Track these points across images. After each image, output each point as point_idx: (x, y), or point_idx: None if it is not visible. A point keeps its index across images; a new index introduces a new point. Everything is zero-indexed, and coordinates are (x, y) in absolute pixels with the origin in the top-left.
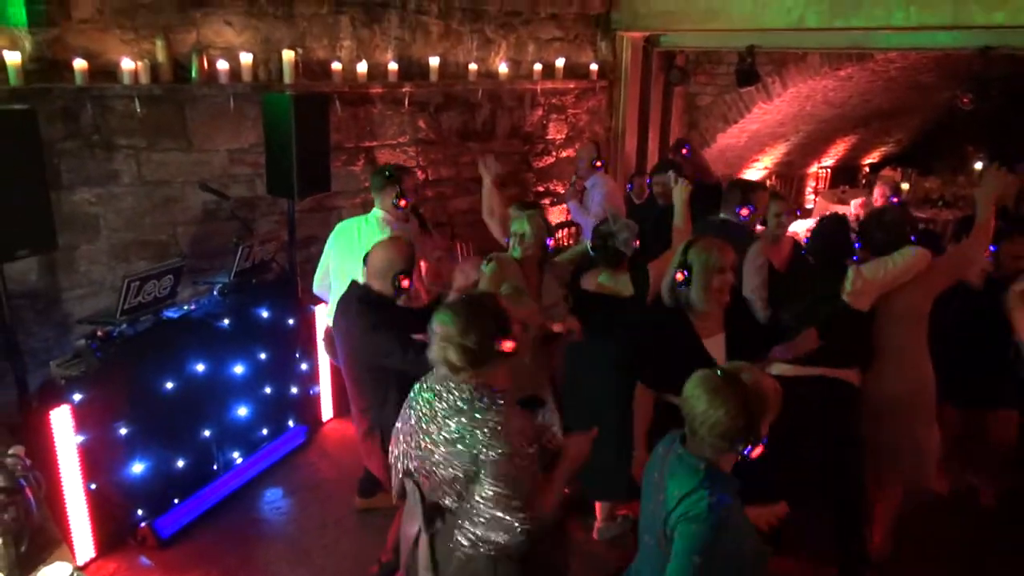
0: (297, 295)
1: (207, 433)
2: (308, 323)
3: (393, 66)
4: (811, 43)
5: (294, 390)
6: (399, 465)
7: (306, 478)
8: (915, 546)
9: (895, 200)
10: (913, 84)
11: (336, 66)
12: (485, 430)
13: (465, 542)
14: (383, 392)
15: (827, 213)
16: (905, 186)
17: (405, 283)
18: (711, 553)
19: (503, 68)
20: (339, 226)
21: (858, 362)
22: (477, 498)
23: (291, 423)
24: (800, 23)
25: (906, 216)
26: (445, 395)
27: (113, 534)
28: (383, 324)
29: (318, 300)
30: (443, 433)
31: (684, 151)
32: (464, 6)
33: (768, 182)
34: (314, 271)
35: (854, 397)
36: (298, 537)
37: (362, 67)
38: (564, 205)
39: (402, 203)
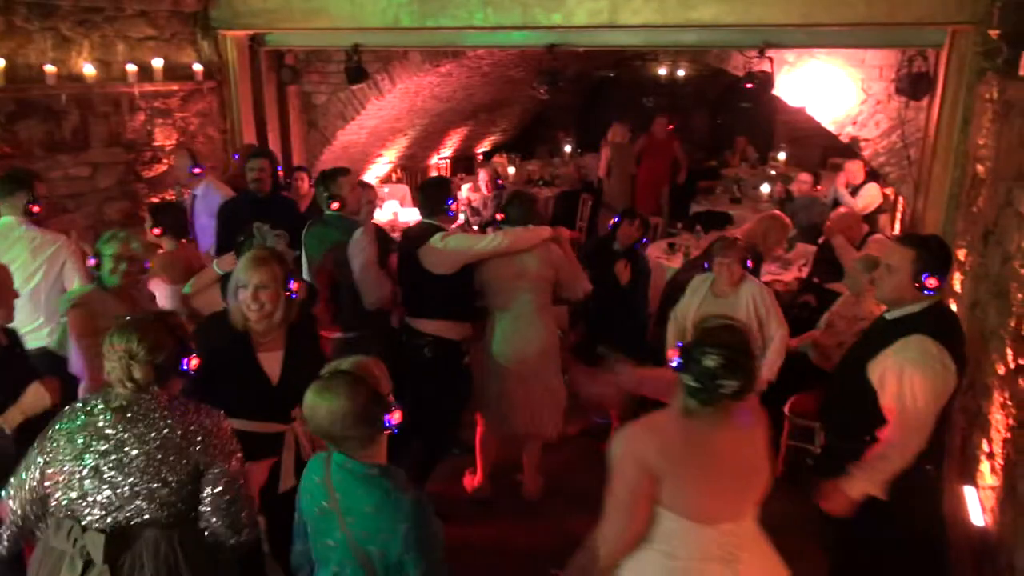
0: None
1: None
2: None
3: None
4: (409, 41)
5: None
6: (29, 510)
7: None
8: (554, 482)
9: (499, 183)
10: (506, 79)
11: None
12: (200, 438)
13: (189, 554)
14: None
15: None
16: (512, 170)
17: None
18: (434, 544)
19: (89, 70)
20: None
21: (454, 316)
22: (206, 506)
23: None
24: (396, 23)
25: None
26: (137, 411)
27: None
28: None
29: None
30: (143, 448)
31: None
32: (30, 0)
33: (394, 176)
34: None
35: (454, 350)
36: None
37: None
38: None
39: (35, 208)
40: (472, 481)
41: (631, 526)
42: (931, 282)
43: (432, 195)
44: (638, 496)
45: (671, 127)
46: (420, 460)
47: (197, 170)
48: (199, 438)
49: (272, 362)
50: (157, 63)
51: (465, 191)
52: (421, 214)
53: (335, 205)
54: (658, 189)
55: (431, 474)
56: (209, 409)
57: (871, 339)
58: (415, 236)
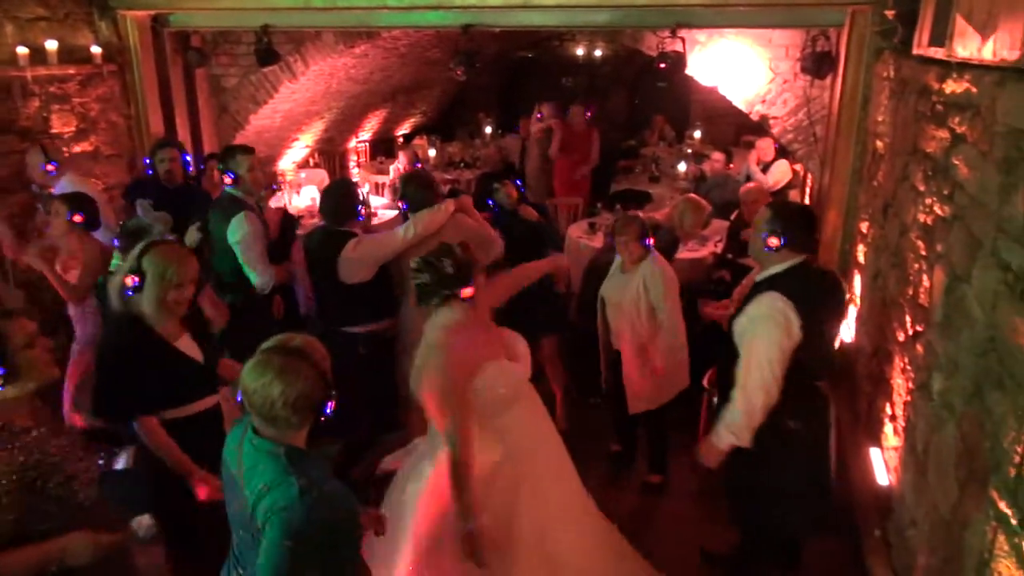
0: None
1: None
2: None
3: None
4: (321, 21)
5: None
6: None
7: None
8: None
9: (418, 165)
10: (424, 60)
11: None
12: None
13: None
14: None
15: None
16: (432, 152)
17: None
18: (304, 535)
19: None
20: None
21: (381, 317)
22: None
23: None
24: (307, 2)
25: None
26: None
27: None
28: None
29: None
30: None
31: None
32: None
33: (312, 160)
34: None
35: (384, 343)
36: None
37: None
38: None
39: None
40: None
41: None
42: (772, 241)
43: (340, 203)
44: None
45: (588, 115)
46: (356, 443)
47: (51, 167)
48: None
49: (187, 345)
50: (51, 45)
51: (393, 173)
52: (326, 221)
53: (227, 180)
54: (580, 179)
55: (369, 454)
56: None
57: (743, 303)
58: (325, 248)
